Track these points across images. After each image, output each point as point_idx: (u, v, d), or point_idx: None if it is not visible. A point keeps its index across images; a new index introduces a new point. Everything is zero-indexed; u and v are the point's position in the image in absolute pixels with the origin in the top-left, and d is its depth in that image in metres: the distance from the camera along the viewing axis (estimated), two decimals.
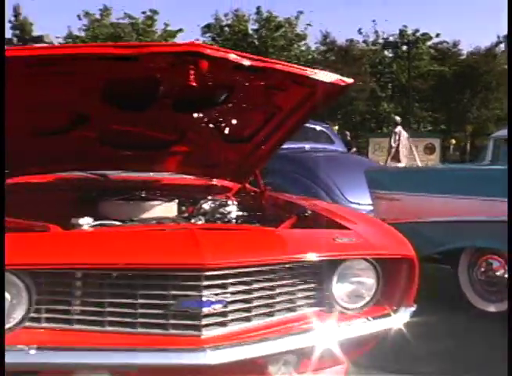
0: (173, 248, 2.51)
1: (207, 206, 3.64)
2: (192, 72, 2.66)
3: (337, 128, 19.68)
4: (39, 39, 24.12)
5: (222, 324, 2.49)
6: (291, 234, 3.03)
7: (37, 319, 2.36)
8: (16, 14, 46.40)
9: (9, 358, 2.23)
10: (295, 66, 3.02)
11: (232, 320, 2.52)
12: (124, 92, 2.96)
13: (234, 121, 3.51)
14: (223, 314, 2.48)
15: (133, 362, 2.34)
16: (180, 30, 31.05)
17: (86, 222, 2.84)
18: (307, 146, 9.12)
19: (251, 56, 2.82)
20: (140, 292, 2.38)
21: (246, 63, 2.73)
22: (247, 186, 4.13)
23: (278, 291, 2.66)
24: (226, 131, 3.57)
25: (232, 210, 3.58)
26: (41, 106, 2.96)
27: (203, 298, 2.40)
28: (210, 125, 3.49)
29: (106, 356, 2.32)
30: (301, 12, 31.71)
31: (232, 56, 2.70)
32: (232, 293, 2.50)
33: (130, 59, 2.60)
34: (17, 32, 45.19)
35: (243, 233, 2.89)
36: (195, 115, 3.35)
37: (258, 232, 2.97)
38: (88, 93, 2.97)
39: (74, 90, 2.91)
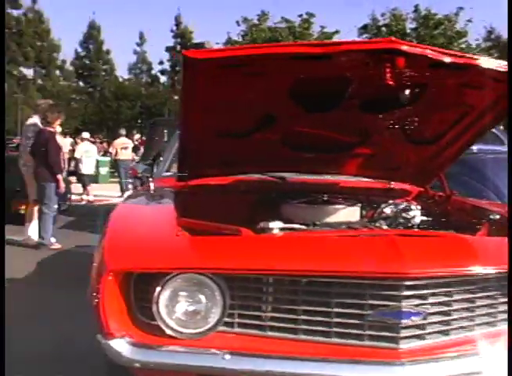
0: (371, 255, 2.38)
1: (388, 210, 3.49)
2: (387, 70, 2.53)
3: (502, 127, 18.71)
4: (200, 46, 24.92)
5: (420, 337, 2.33)
6: (491, 242, 2.82)
7: (231, 324, 2.34)
8: (178, 23, 48.74)
9: (204, 362, 2.24)
10: (495, 60, 2.79)
11: (430, 333, 2.36)
12: (311, 92, 2.88)
13: (421, 122, 3.33)
14: (421, 326, 2.33)
15: (327, 373, 2.24)
16: (336, 31, 30.87)
17: (276, 226, 2.79)
18: (475, 148, 8.70)
19: (448, 51, 2.64)
20: (335, 300, 2.29)
21: (447, 59, 2.55)
22: (429, 189, 3.94)
23: (478, 303, 2.46)
24: (412, 132, 3.40)
25: (416, 215, 3.40)
26: (228, 107, 2.96)
27: (403, 309, 2.27)
28: (396, 126, 3.34)
29: (300, 365, 2.24)
30: (461, 8, 30.56)
31: (431, 53, 2.53)
32: (432, 304, 2.34)
33: (322, 58, 2.52)
34: (179, 40, 47.46)
35: (441, 241, 2.71)
36: (381, 116, 3.22)
37: (456, 239, 2.78)
38: (276, 94, 2.93)
39: (263, 91, 2.88)
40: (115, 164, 18.19)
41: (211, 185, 3.59)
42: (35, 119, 8.24)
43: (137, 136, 25.34)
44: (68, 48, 73.33)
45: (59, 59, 48.53)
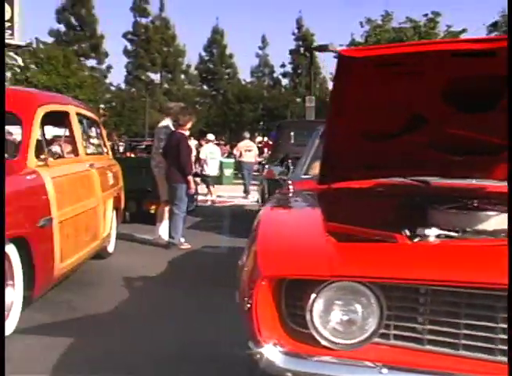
0: None
1: None
2: None
3: None
4: (324, 48, 24.89)
5: None
6: None
7: (386, 336, 2.22)
8: (299, 26, 49.01)
9: (359, 374, 2.15)
10: None
11: None
12: (468, 92, 2.71)
13: None
14: None
15: None
16: (464, 30, 29.84)
17: (432, 233, 2.64)
18: None
19: None
20: (501, 315, 2.12)
21: None
22: None
23: None
24: None
25: None
26: (378, 108, 2.84)
27: None
28: None
29: None
30: None
31: None
32: None
33: (486, 55, 2.35)
34: (300, 43, 47.68)
35: None
36: None
37: None
38: (429, 94, 2.77)
39: (416, 91, 2.74)
40: (239, 166, 18.47)
41: (354, 188, 3.48)
42: (167, 121, 8.42)
43: (259, 138, 25.50)
44: (193, 53, 75.49)
45: (184, 63, 50.03)
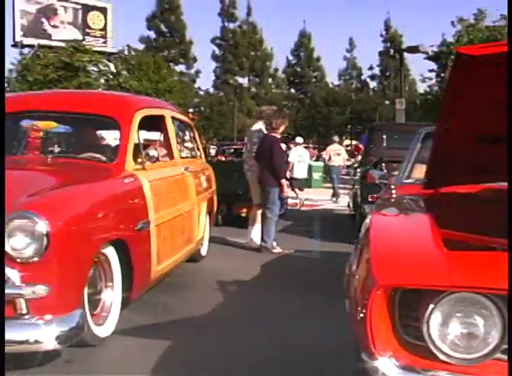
0: None
1: None
2: None
3: None
4: (414, 49, 24.46)
5: None
6: None
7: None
8: (387, 28, 48.47)
9: None
10: None
11: None
12: None
13: None
14: None
15: None
16: None
17: None
18: None
19: None
20: None
21: None
22: None
23: None
24: None
25: None
26: (494, 109, 2.68)
27: None
28: None
29: None
30: None
31: None
32: None
33: None
34: (388, 44, 47.13)
35: None
36: None
37: None
38: None
39: None
40: (327, 170, 18.34)
41: (462, 193, 3.32)
42: (260, 125, 8.37)
43: (347, 142, 25.23)
44: (280, 56, 75.83)
45: (271, 67, 50.35)
